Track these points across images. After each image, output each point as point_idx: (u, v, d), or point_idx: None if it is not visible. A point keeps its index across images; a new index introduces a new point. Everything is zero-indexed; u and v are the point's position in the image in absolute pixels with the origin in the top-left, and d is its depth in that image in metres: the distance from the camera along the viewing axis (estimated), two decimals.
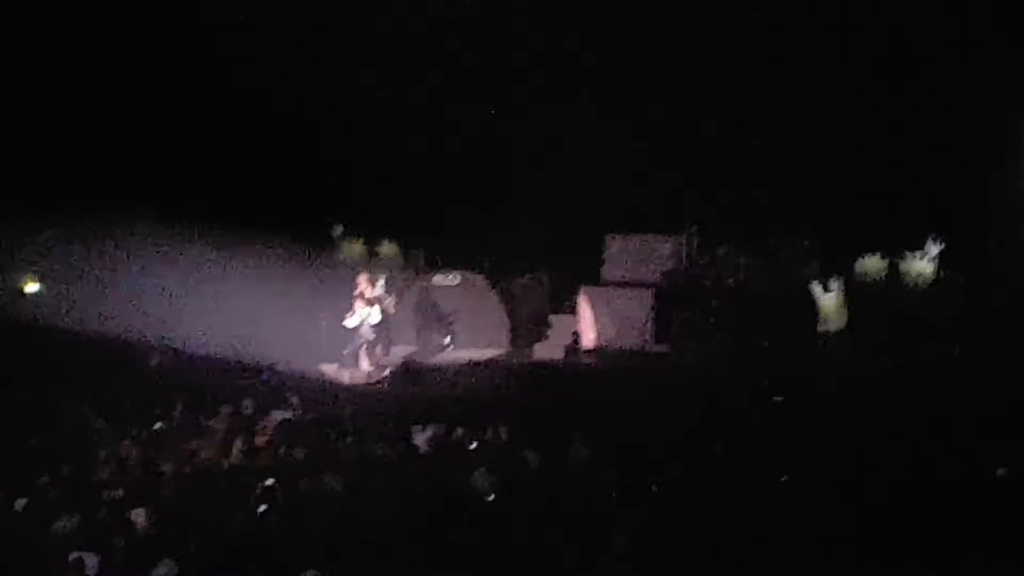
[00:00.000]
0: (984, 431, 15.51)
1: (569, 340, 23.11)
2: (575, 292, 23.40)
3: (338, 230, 24.85)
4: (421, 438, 16.12)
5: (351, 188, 24.58)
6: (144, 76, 24.39)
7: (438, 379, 20.93)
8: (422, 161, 24.72)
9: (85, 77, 24.01)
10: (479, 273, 23.65)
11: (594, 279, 23.59)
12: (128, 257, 23.10)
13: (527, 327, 23.63)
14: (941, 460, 14.47)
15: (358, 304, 22.04)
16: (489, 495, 13.81)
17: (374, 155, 24.72)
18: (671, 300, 22.57)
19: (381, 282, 22.29)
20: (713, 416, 17.07)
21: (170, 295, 22.54)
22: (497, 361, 22.36)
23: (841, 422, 16.49)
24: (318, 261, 24.15)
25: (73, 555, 11.94)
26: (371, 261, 24.42)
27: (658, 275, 23.02)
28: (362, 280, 22.18)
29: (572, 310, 23.38)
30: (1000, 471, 13.73)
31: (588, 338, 23.12)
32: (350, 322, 22.00)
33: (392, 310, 22.35)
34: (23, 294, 22.28)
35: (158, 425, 17.11)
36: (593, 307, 23.09)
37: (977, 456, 14.49)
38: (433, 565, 11.86)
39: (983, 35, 21.53)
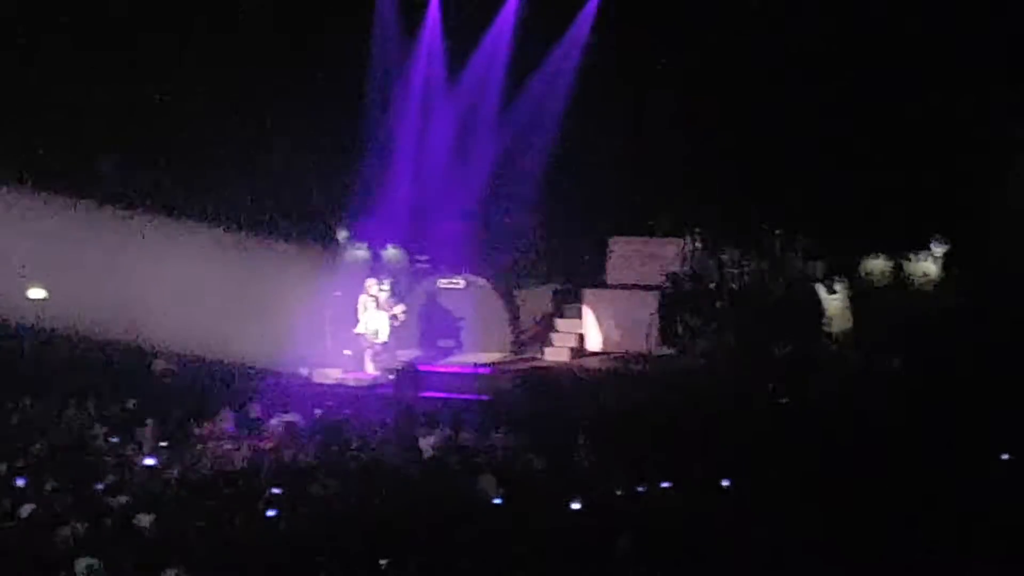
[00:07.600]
0: (988, 431, 15.52)
1: (574, 343, 23.11)
2: (579, 295, 23.38)
3: (343, 234, 24.79)
4: (427, 443, 16.11)
5: (358, 193, 24.58)
6: (156, 74, 24.37)
7: (444, 383, 20.90)
8: (429, 164, 24.73)
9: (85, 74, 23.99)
10: (484, 276, 23.57)
11: (599, 282, 23.57)
12: (132, 263, 23.05)
13: (532, 330, 23.61)
14: (946, 460, 14.49)
15: (365, 309, 22.01)
16: (495, 500, 13.82)
17: (381, 160, 24.75)
18: (675, 303, 22.54)
19: (387, 286, 22.23)
20: (719, 419, 17.06)
21: (174, 300, 22.49)
22: (502, 365, 22.33)
23: (847, 423, 16.48)
24: (323, 265, 24.09)
25: (79, 561, 11.93)
26: (376, 266, 24.33)
27: (662, 277, 22.99)
28: (369, 285, 22.13)
29: (577, 313, 23.37)
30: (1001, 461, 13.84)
31: (593, 341, 23.11)
32: (357, 327, 21.97)
33: (402, 317, 22.29)
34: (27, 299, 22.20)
35: (163, 430, 17.09)
36: (598, 310, 23.06)
37: (981, 456, 14.52)
38: (439, 570, 11.86)
39: (986, 36, 21.52)
